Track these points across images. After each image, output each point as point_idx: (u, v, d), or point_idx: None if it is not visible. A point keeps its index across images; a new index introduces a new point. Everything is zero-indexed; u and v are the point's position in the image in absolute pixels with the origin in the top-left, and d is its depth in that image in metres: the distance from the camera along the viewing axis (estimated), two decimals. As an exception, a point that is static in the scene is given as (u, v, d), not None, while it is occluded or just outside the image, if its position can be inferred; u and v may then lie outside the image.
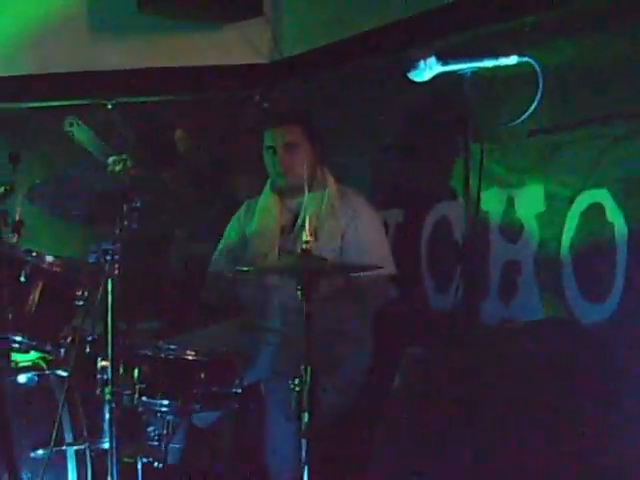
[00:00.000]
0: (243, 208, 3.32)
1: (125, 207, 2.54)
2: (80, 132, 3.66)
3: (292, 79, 3.89)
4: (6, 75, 3.92)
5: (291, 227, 3.11)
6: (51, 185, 3.41)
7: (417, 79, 2.21)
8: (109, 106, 3.93)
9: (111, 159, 2.77)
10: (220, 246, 3.32)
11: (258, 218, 3.20)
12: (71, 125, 3.68)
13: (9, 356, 2.75)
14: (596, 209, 2.76)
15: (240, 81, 3.98)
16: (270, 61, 3.94)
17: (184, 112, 3.99)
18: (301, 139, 3.10)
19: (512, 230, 3.03)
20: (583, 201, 2.81)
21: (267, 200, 3.20)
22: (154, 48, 3.95)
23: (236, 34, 3.94)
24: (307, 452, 2.41)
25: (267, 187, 3.23)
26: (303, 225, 2.99)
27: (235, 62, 3.95)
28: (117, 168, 2.75)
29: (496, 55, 2.20)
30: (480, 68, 2.22)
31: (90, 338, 2.65)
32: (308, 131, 3.12)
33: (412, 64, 2.17)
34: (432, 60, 2.15)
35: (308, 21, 3.81)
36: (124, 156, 2.77)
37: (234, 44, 3.95)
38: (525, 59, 2.22)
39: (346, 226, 3.07)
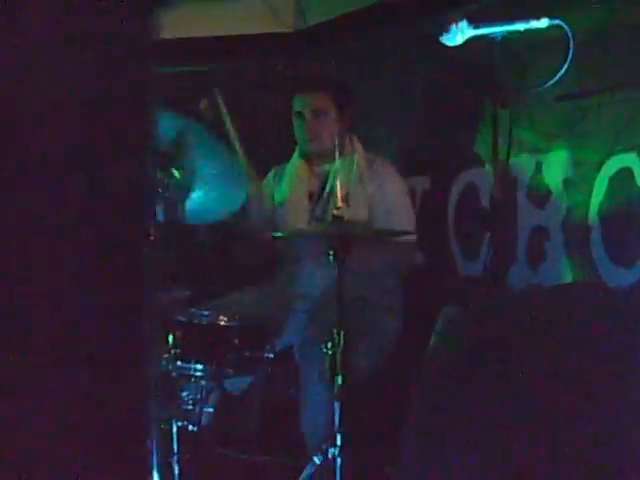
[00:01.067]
0: (271, 174, 3.34)
1: (160, 174, 2.57)
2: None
3: (316, 48, 3.89)
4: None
5: (319, 194, 3.13)
6: None
7: (449, 43, 2.22)
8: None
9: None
10: (248, 210, 3.34)
11: (287, 184, 3.21)
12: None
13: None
14: (625, 173, 2.76)
15: (264, 50, 3.98)
16: (294, 30, 3.94)
17: (209, 82, 4.00)
18: (330, 106, 3.11)
19: (540, 196, 3.04)
20: (612, 166, 2.81)
21: (295, 166, 3.22)
22: (177, 18, 3.95)
23: (260, 3, 3.93)
24: (341, 415, 2.45)
25: (295, 153, 3.24)
26: (331, 192, 3.04)
27: (259, 31, 3.95)
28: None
29: (527, 18, 2.20)
30: (510, 32, 2.21)
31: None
32: (337, 98, 3.12)
33: (444, 28, 2.17)
34: (464, 23, 2.16)
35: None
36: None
37: (257, 13, 3.94)
38: (556, 22, 2.21)
39: (374, 193, 3.09)
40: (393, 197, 3.10)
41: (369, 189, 3.09)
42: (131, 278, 0.91)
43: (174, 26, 3.94)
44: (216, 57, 4.00)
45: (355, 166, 3.10)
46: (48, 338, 0.87)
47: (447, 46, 2.23)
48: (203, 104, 4.02)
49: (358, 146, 3.17)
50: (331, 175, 3.08)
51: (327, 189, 3.09)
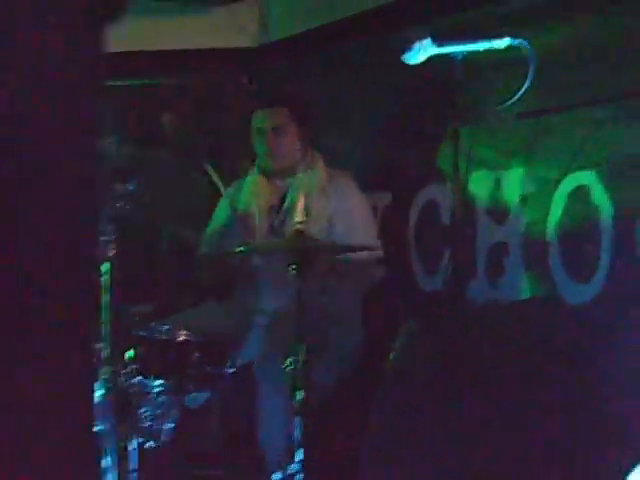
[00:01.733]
0: (230, 189, 3.33)
1: (118, 188, 2.56)
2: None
3: (280, 62, 3.90)
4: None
5: (278, 207, 3.13)
6: None
7: (411, 61, 2.23)
8: (96, 89, 3.92)
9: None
10: (209, 227, 3.33)
11: (246, 199, 3.21)
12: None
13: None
14: (582, 191, 2.81)
15: (228, 64, 3.98)
16: (258, 44, 3.94)
17: (171, 96, 3.99)
18: (289, 121, 3.11)
19: (499, 212, 3.08)
20: (569, 183, 2.85)
21: (254, 181, 3.21)
22: (140, 31, 3.93)
23: (223, 17, 3.94)
24: (301, 430, 2.45)
25: (254, 168, 3.24)
26: (290, 205, 3.04)
27: (222, 45, 3.94)
28: (106, 151, 2.75)
29: (489, 37, 2.23)
30: (471, 51, 2.24)
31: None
32: (296, 113, 3.12)
33: (407, 45, 2.18)
34: (427, 42, 2.17)
35: (296, 3, 3.81)
36: (112, 140, 2.77)
37: (221, 27, 3.94)
38: (517, 42, 2.24)
39: (334, 208, 3.10)
40: (354, 212, 3.12)
41: (330, 203, 3.10)
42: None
43: (137, 38, 3.93)
44: (179, 70, 3.99)
45: (316, 180, 3.11)
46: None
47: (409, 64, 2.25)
48: (165, 118, 4.01)
49: (319, 160, 3.18)
50: (291, 189, 3.08)
51: (286, 203, 3.09)
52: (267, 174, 3.19)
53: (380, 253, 3.10)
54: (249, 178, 3.23)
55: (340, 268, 3.03)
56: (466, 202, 3.01)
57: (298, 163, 3.07)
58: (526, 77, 2.28)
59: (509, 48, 2.28)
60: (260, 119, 3.14)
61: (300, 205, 2.53)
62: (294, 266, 2.49)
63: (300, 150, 3.11)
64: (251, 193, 3.20)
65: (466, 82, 2.41)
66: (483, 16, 2.89)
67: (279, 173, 3.14)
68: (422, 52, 2.19)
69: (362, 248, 2.84)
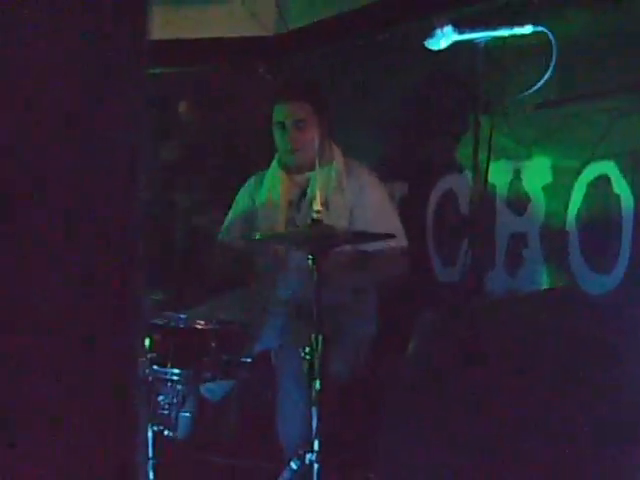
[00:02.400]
0: (252, 181, 3.31)
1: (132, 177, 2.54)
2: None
3: (297, 52, 3.88)
4: None
5: (299, 201, 3.12)
6: None
7: (433, 47, 2.21)
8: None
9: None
10: (229, 217, 3.32)
11: (266, 192, 3.19)
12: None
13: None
14: (602, 181, 2.78)
15: (245, 54, 3.96)
16: (275, 34, 3.93)
17: (189, 84, 3.98)
18: (311, 116, 3.08)
19: (518, 202, 3.05)
20: (590, 173, 2.82)
21: (275, 175, 3.20)
22: (157, 20, 3.92)
23: (240, 6, 3.92)
24: (318, 420, 2.44)
25: (275, 162, 3.22)
26: (311, 199, 3.02)
27: (240, 34, 3.93)
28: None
29: (511, 24, 2.20)
30: (494, 38, 2.22)
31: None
32: (317, 107, 3.10)
33: (429, 32, 2.17)
34: (449, 28, 2.16)
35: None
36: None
37: (239, 16, 3.93)
38: (540, 29, 2.22)
39: (354, 200, 3.08)
40: (373, 203, 3.10)
41: (349, 196, 3.08)
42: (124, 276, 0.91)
43: (154, 28, 3.93)
44: (197, 59, 3.98)
45: (334, 173, 3.09)
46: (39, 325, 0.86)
47: (430, 51, 2.23)
48: (182, 106, 4.01)
49: (337, 152, 3.16)
50: (311, 184, 3.07)
51: (308, 197, 3.08)
52: (287, 169, 3.17)
53: (404, 243, 3.08)
54: (270, 172, 3.21)
55: (360, 259, 3.01)
56: (485, 192, 3.00)
57: (318, 157, 3.05)
58: (548, 66, 2.25)
59: (531, 36, 2.25)
60: (282, 113, 3.11)
61: (318, 195, 2.51)
62: (311, 255, 2.48)
63: (320, 144, 3.09)
64: (271, 187, 3.18)
65: (488, 70, 2.39)
66: (505, 4, 2.86)
67: (300, 168, 3.12)
68: (444, 39, 2.17)
69: (382, 237, 2.82)
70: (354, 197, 3.08)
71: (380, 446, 2.29)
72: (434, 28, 2.14)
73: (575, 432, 2.29)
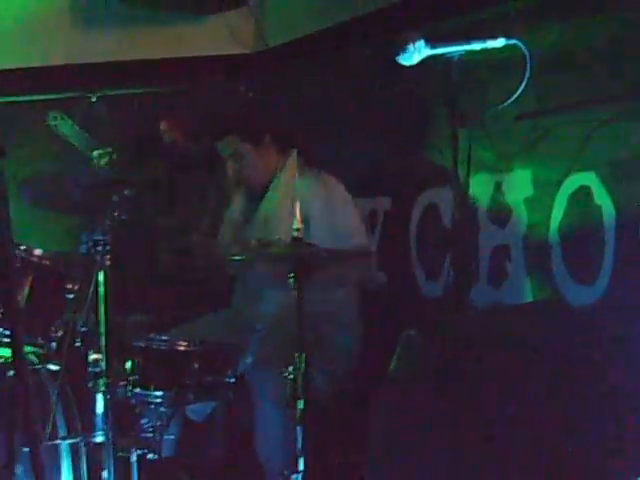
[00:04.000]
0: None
1: (114, 198, 2.53)
2: (64, 126, 3.64)
3: (277, 69, 3.88)
4: (-13, 70, 3.88)
5: (253, 217, 3.16)
6: (39, 183, 3.38)
7: (406, 63, 2.21)
8: (93, 99, 3.91)
9: (96, 152, 2.75)
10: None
11: (233, 208, 3.27)
12: (55, 119, 3.65)
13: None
14: (584, 192, 2.78)
15: (225, 72, 3.96)
16: (254, 51, 3.93)
17: (169, 104, 3.97)
18: (243, 147, 3.12)
19: (501, 215, 3.05)
20: (571, 184, 2.82)
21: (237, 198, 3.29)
22: (137, 40, 3.93)
23: (220, 25, 3.92)
24: (303, 440, 2.41)
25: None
26: (268, 215, 3.07)
27: (219, 53, 3.93)
28: (102, 161, 2.74)
29: (484, 38, 2.20)
30: (468, 52, 2.22)
31: (82, 331, 2.64)
32: (246, 136, 3.12)
33: (401, 48, 2.16)
34: (421, 43, 2.15)
35: (292, 10, 3.80)
36: (109, 149, 2.76)
37: (218, 35, 3.93)
38: (513, 42, 2.22)
39: (317, 210, 3.05)
40: (338, 211, 3.08)
41: (313, 206, 3.07)
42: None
43: (134, 48, 3.92)
44: (177, 79, 3.98)
45: (282, 185, 3.10)
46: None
47: (404, 66, 2.22)
48: (163, 126, 3.99)
49: (297, 166, 3.16)
50: (266, 200, 3.12)
51: (260, 213, 3.12)
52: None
53: (365, 243, 3.06)
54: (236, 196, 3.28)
55: (336, 270, 2.99)
56: (467, 205, 2.99)
57: (270, 177, 3.11)
58: (523, 78, 2.25)
59: (505, 49, 2.25)
60: (221, 149, 3.20)
61: (298, 213, 2.50)
62: (292, 273, 2.46)
63: (267, 164, 3.13)
64: (237, 203, 3.25)
65: (464, 84, 2.38)
66: (480, 17, 2.86)
67: (254, 192, 3.15)
68: (416, 53, 2.17)
69: (362, 252, 2.82)
70: (318, 207, 3.05)
71: (365, 465, 2.26)
72: (406, 43, 2.14)
73: (559, 444, 2.27)
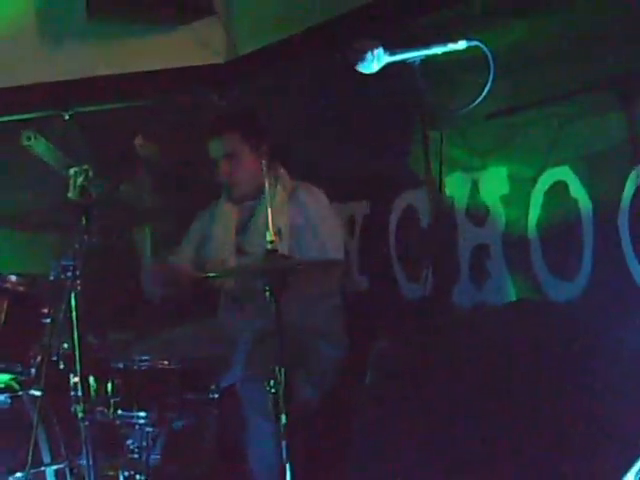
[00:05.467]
0: (204, 212, 3.31)
1: (84, 220, 2.51)
2: (38, 145, 3.61)
3: (249, 77, 3.86)
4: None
5: (245, 227, 3.11)
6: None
7: (365, 71, 2.19)
8: (66, 117, 3.88)
9: (72, 171, 2.72)
10: (182, 244, 3.30)
11: (216, 223, 3.19)
12: (29, 139, 3.62)
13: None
14: (559, 187, 2.77)
15: (197, 82, 3.93)
16: (226, 60, 3.90)
17: (143, 118, 3.94)
18: (241, 146, 3.08)
19: (478, 214, 3.03)
20: (546, 180, 2.81)
21: (221, 205, 3.21)
22: (107, 55, 3.90)
23: (189, 35, 3.90)
24: (287, 453, 2.39)
25: (223, 194, 3.22)
26: (255, 226, 3.02)
27: (190, 63, 3.91)
28: (78, 180, 2.71)
29: (444, 41, 2.18)
30: (429, 55, 2.20)
31: (58, 355, 2.62)
32: (248, 136, 3.08)
33: (359, 56, 2.14)
34: (379, 51, 2.13)
35: (260, 18, 3.78)
36: (85, 167, 2.73)
37: (188, 45, 3.90)
38: (474, 43, 2.20)
39: (295, 220, 3.05)
40: (315, 221, 3.06)
41: (290, 216, 3.05)
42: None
43: (103, 62, 3.90)
44: (148, 92, 3.95)
45: (278, 198, 3.07)
46: None
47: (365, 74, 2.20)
48: (138, 140, 3.96)
49: (283, 176, 3.14)
50: (257, 210, 3.06)
51: (251, 223, 3.06)
52: (232, 200, 3.16)
53: (339, 256, 3.04)
54: (219, 203, 3.21)
55: (308, 279, 2.97)
56: (444, 206, 2.97)
57: (260, 184, 3.03)
58: (488, 78, 2.23)
59: (468, 50, 2.23)
60: (213, 148, 3.12)
61: (270, 224, 2.48)
62: (268, 286, 2.44)
63: (259, 171, 3.08)
64: (218, 216, 3.17)
65: (430, 86, 2.36)
66: (438, 21, 2.85)
67: (241, 198, 3.12)
68: (375, 61, 2.14)
69: (338, 262, 2.80)
70: (295, 216, 3.05)
71: (349, 472, 2.25)
72: (364, 52, 2.11)
73: (542, 442, 2.26)
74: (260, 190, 2.67)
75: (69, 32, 3.89)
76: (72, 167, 2.72)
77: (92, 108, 3.95)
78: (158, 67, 3.89)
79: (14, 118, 3.88)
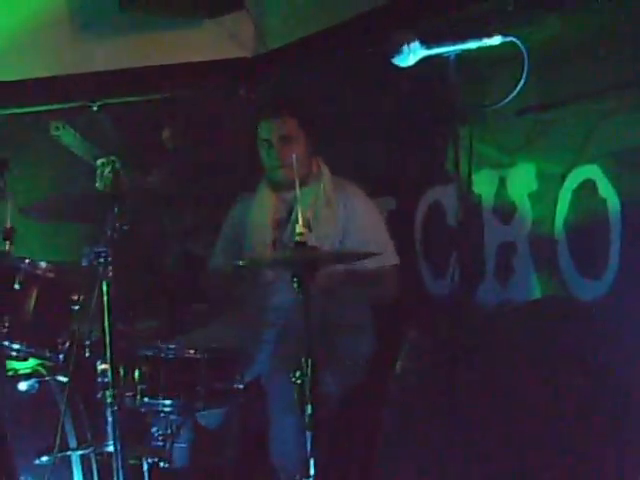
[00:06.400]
0: (238, 204, 3.30)
1: (116, 209, 2.53)
2: (67, 136, 3.65)
3: (277, 71, 3.87)
4: (-11, 82, 3.89)
5: (286, 220, 3.10)
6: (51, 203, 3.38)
7: (401, 64, 2.20)
8: (95, 108, 3.91)
9: (99, 161, 2.75)
10: (218, 242, 3.31)
11: (254, 213, 3.18)
12: (57, 129, 3.66)
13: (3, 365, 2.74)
14: (588, 185, 2.76)
15: (225, 76, 3.95)
16: (254, 55, 3.92)
17: (170, 110, 3.97)
18: (297, 131, 3.06)
19: (505, 211, 3.03)
20: (575, 178, 2.80)
21: (262, 195, 3.18)
22: (137, 47, 3.93)
23: (219, 29, 3.92)
24: (312, 445, 2.40)
25: (262, 182, 3.20)
26: (297, 218, 3.00)
27: (219, 57, 3.92)
28: (106, 170, 2.73)
29: (480, 36, 2.18)
30: (464, 50, 2.20)
31: (88, 342, 2.65)
32: (304, 122, 3.07)
33: (395, 49, 2.15)
34: (415, 44, 2.14)
35: (290, 12, 3.79)
36: (112, 158, 2.75)
37: (218, 39, 3.92)
38: (509, 39, 2.20)
39: (344, 216, 3.06)
40: (364, 218, 3.07)
41: (339, 212, 3.06)
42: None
43: (132, 55, 3.92)
44: (177, 85, 3.97)
45: (322, 190, 3.07)
46: None
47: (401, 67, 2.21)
48: (165, 133, 4.00)
49: (324, 168, 3.15)
50: (297, 202, 3.05)
51: (293, 216, 3.05)
52: (275, 187, 3.14)
53: (395, 260, 3.06)
54: (258, 192, 3.20)
55: (353, 278, 2.98)
56: (471, 202, 2.97)
57: (306, 174, 3.02)
58: (522, 74, 2.23)
59: (503, 46, 2.23)
60: (267, 130, 3.08)
61: (302, 217, 2.49)
62: (296, 278, 2.45)
63: (307, 160, 3.07)
64: (259, 208, 3.16)
65: (462, 82, 2.36)
66: (474, 16, 2.85)
67: (288, 185, 3.08)
68: (411, 55, 2.15)
69: (369, 255, 2.80)
70: (344, 213, 3.06)
71: (375, 468, 2.25)
72: (401, 45, 2.12)
73: (568, 437, 2.26)
74: (304, 180, 2.67)
75: (101, 24, 3.92)
76: (100, 158, 2.75)
77: (120, 100, 3.98)
78: (187, 60, 3.91)
79: (43, 108, 3.92)
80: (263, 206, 3.15)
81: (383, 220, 3.18)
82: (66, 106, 3.91)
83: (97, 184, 2.69)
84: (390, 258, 3.04)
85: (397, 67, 2.30)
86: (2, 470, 2.64)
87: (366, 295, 3.05)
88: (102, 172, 2.71)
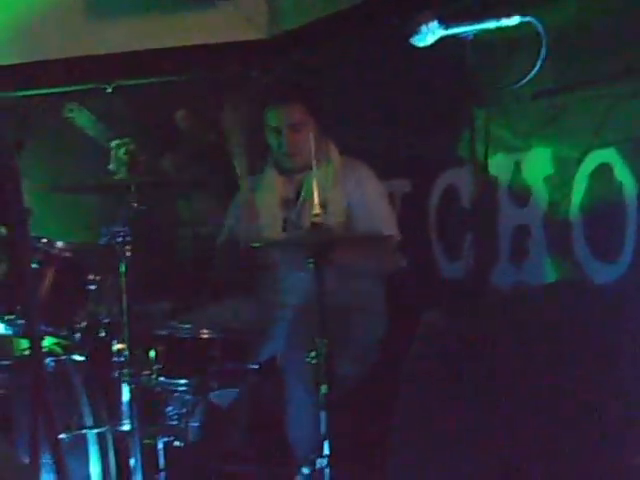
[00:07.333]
0: (247, 185, 3.30)
1: (133, 189, 2.54)
2: (81, 117, 3.66)
3: (292, 53, 3.86)
4: (3, 64, 3.89)
5: (294, 200, 3.10)
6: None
7: (420, 44, 2.19)
8: (109, 90, 3.91)
9: (114, 143, 2.75)
10: (226, 222, 3.32)
11: (261, 194, 3.18)
12: (71, 111, 3.68)
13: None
14: (604, 169, 2.75)
15: (239, 58, 3.95)
16: (269, 36, 3.91)
17: (185, 93, 3.97)
18: (306, 118, 3.05)
19: (520, 194, 3.03)
20: (591, 161, 2.79)
21: (269, 176, 3.18)
22: (151, 29, 3.92)
23: (233, 10, 3.90)
24: (327, 424, 2.42)
25: (269, 163, 3.20)
26: (306, 199, 3.01)
27: (234, 39, 3.91)
28: (120, 152, 2.74)
29: (498, 16, 2.17)
30: (482, 31, 2.19)
31: (105, 321, 2.66)
32: (313, 108, 3.07)
33: (414, 29, 2.14)
34: (434, 24, 2.13)
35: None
36: (127, 139, 2.76)
37: (231, 21, 3.91)
38: (527, 19, 2.19)
39: (352, 195, 3.06)
40: (372, 198, 3.08)
41: (347, 191, 3.06)
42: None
43: (145, 37, 3.92)
44: (191, 66, 3.97)
45: (331, 171, 3.07)
46: None
47: (419, 47, 2.20)
48: (180, 114, 4.00)
49: (333, 150, 3.14)
50: (306, 182, 3.05)
51: (302, 196, 3.06)
52: (283, 170, 3.15)
53: (397, 235, 3.06)
54: (264, 174, 3.20)
55: (360, 255, 2.98)
56: (486, 185, 2.96)
57: (315, 157, 3.03)
58: (539, 56, 2.22)
59: (520, 26, 2.22)
60: (275, 117, 3.06)
61: (316, 198, 2.49)
62: (312, 259, 2.46)
63: (317, 144, 3.07)
64: (266, 188, 3.17)
65: (479, 63, 2.36)
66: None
67: (297, 170, 3.09)
68: (430, 34, 2.14)
69: (382, 237, 2.81)
70: (352, 192, 3.06)
71: (390, 448, 2.26)
72: (419, 24, 2.11)
73: (582, 423, 2.26)
74: (312, 163, 2.68)
75: (115, 6, 3.91)
76: (114, 140, 2.76)
77: (134, 82, 3.98)
78: (201, 42, 3.91)
79: (58, 90, 3.93)
80: (271, 188, 3.15)
81: (387, 199, 3.16)
82: (80, 88, 3.92)
83: (111, 166, 2.71)
84: (390, 229, 3.02)
85: (414, 47, 2.29)
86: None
87: (370, 272, 3.04)
88: (116, 154, 2.72)
